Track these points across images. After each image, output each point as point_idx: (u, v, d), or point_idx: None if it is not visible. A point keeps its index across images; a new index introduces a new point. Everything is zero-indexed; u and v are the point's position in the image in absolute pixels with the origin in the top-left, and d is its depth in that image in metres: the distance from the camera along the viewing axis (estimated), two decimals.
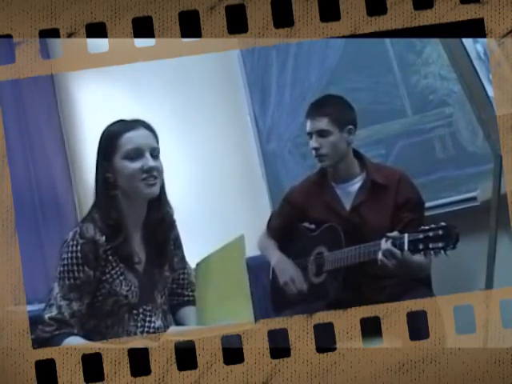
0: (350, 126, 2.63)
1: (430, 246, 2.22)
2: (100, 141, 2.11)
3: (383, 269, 2.37)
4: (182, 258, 2.25)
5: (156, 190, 2.06)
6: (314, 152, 2.65)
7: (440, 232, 2.21)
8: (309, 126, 2.66)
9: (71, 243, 2.01)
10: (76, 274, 1.99)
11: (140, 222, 2.12)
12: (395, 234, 2.33)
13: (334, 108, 2.64)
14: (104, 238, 2.03)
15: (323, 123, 2.62)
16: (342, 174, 2.67)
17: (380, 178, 2.61)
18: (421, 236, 2.24)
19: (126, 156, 2.04)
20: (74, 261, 2.00)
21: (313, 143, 2.65)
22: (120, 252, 2.05)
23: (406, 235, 2.28)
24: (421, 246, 2.24)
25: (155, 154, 2.08)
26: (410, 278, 2.48)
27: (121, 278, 2.04)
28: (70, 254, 2.00)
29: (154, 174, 2.05)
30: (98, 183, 2.09)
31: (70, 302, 1.98)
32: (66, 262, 2.00)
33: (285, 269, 2.71)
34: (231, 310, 2.01)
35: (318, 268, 2.67)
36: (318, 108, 2.66)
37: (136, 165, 2.04)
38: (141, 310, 2.07)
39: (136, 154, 2.04)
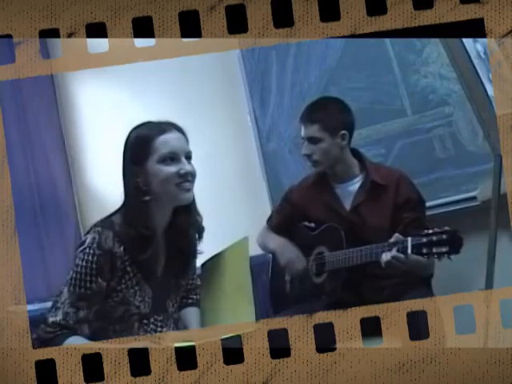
0: (343, 132, 2.60)
1: (434, 250, 2.20)
2: (128, 144, 2.02)
3: (386, 271, 2.36)
4: (195, 266, 2.19)
5: (191, 195, 2.01)
6: (305, 158, 2.65)
7: (444, 236, 2.19)
8: (302, 131, 2.66)
9: (87, 251, 1.93)
10: (88, 284, 1.93)
11: (163, 230, 2.04)
12: (397, 236, 2.32)
13: (326, 113, 2.61)
14: (122, 248, 1.95)
15: (313, 130, 2.60)
16: (340, 175, 2.67)
17: (379, 178, 2.61)
18: (424, 240, 2.22)
19: (161, 160, 1.96)
20: (88, 271, 1.92)
21: (304, 150, 2.64)
22: (145, 265, 1.98)
23: (409, 239, 2.26)
24: (424, 251, 2.22)
25: (189, 157, 2.03)
26: (412, 277, 2.47)
27: (136, 287, 1.98)
28: (84, 263, 1.93)
29: (189, 179, 1.99)
30: (128, 189, 2.00)
31: (77, 310, 1.93)
32: (79, 269, 1.93)
33: (285, 250, 2.71)
34: (233, 312, 2.01)
35: (318, 268, 2.67)
36: (310, 113, 2.65)
37: (172, 169, 1.96)
38: (152, 320, 2.03)
39: (172, 157, 1.97)
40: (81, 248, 1.96)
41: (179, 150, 2.00)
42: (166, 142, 1.99)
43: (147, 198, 1.97)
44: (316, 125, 2.60)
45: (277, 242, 2.77)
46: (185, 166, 1.98)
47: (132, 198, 1.99)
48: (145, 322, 2.02)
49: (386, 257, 2.31)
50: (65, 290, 1.94)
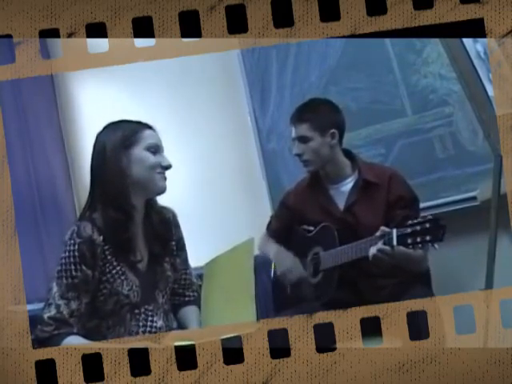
0: (333, 130, 2.62)
1: (418, 239, 2.22)
2: (112, 134, 2.10)
3: (376, 266, 2.37)
4: (185, 259, 2.25)
5: (166, 185, 2.11)
6: (297, 158, 2.67)
7: (427, 225, 2.21)
8: (292, 132, 2.68)
9: (69, 242, 2.01)
10: (73, 273, 1.99)
11: (141, 219, 2.13)
12: (382, 229, 2.33)
13: (314, 113, 2.64)
14: (101, 237, 2.03)
15: (303, 129, 2.62)
16: (332, 176, 2.67)
17: (372, 176, 2.62)
18: (408, 230, 2.24)
19: (148, 148, 2.08)
20: (72, 260, 1.99)
21: (294, 149, 2.66)
22: (125, 248, 2.06)
23: (395, 230, 2.28)
24: (409, 241, 2.24)
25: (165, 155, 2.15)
26: (407, 273, 2.48)
27: (122, 277, 2.04)
28: (67, 253, 2.01)
29: (165, 173, 2.11)
30: (108, 173, 2.08)
31: (68, 301, 1.98)
32: (63, 261, 2.01)
33: (283, 259, 2.72)
34: (235, 312, 2.02)
35: (314, 268, 2.68)
36: (300, 113, 2.67)
37: (157, 159, 2.09)
38: (142, 310, 2.07)
39: (156, 149, 2.10)
40: (63, 243, 2.04)
41: (161, 144, 2.13)
42: (152, 134, 2.12)
43: (128, 180, 2.06)
44: (306, 124, 2.62)
45: (275, 252, 2.79)
46: (166, 160, 2.11)
47: (115, 179, 2.06)
48: (136, 311, 2.06)
49: (372, 250, 2.32)
50: (53, 284, 2.01)
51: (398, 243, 2.26)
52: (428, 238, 2.20)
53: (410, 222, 2.26)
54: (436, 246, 2.21)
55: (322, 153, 2.63)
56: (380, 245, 2.31)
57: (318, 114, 2.64)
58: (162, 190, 2.12)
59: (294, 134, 2.67)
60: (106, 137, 2.11)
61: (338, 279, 2.56)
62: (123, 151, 2.07)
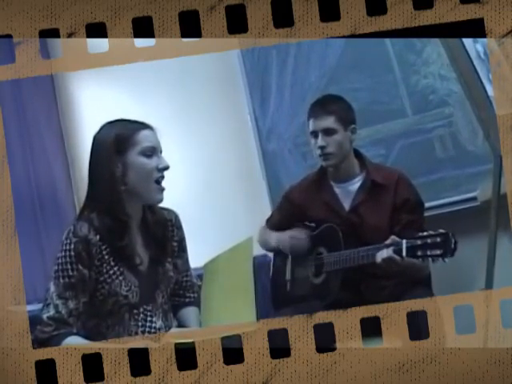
0: (353, 126, 2.64)
1: (428, 253, 2.22)
2: (107, 137, 2.07)
3: (382, 271, 2.37)
4: (187, 261, 2.25)
5: (163, 197, 2.08)
6: (319, 151, 2.62)
7: (438, 239, 2.21)
8: (313, 125, 2.64)
9: (65, 242, 2.01)
10: (70, 273, 1.98)
11: (139, 221, 2.12)
12: (393, 238, 2.33)
13: (337, 107, 2.64)
14: (98, 237, 2.02)
15: (330, 121, 2.60)
16: (342, 174, 2.67)
17: (379, 178, 2.61)
18: (419, 242, 2.24)
19: (142, 152, 2.05)
20: (68, 259, 1.99)
21: (319, 142, 2.61)
22: (123, 253, 2.05)
23: (404, 241, 2.28)
24: (419, 253, 2.24)
25: (161, 153, 2.11)
26: (409, 280, 2.48)
27: (120, 278, 2.04)
28: (63, 253, 2.00)
29: (164, 175, 2.07)
30: (102, 178, 2.06)
31: (65, 300, 1.97)
32: (60, 260, 2.00)
33: (285, 238, 2.74)
34: (234, 311, 2.02)
35: (317, 268, 2.67)
36: (323, 106, 2.65)
37: (152, 162, 2.05)
38: (141, 310, 2.07)
39: (152, 152, 2.06)
40: (61, 243, 2.03)
41: (158, 146, 2.09)
42: (148, 136, 2.08)
43: (122, 187, 2.04)
44: (332, 116, 2.60)
45: (276, 236, 2.80)
46: (164, 161, 2.07)
47: (108, 186, 2.05)
48: (135, 311, 2.06)
49: (381, 255, 2.33)
50: (51, 284, 2.01)
51: (408, 254, 2.26)
52: (439, 252, 2.20)
53: (420, 234, 2.26)
54: (446, 260, 2.21)
55: (344, 147, 2.62)
56: (390, 252, 2.31)
57: (341, 108, 2.65)
58: (158, 202, 2.10)
59: (314, 127, 2.63)
60: (101, 140, 2.08)
61: (342, 281, 2.56)
62: (117, 157, 2.04)
